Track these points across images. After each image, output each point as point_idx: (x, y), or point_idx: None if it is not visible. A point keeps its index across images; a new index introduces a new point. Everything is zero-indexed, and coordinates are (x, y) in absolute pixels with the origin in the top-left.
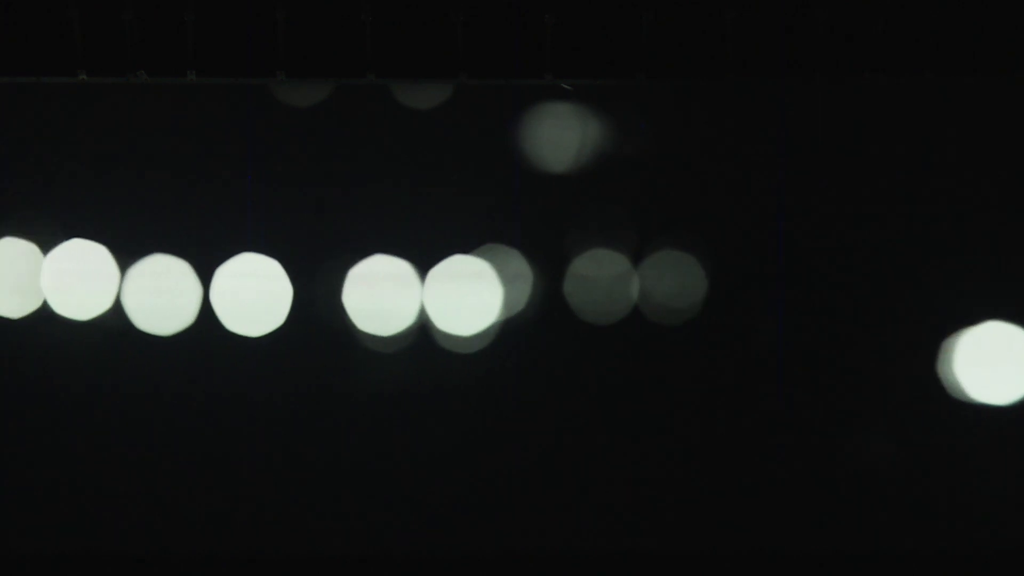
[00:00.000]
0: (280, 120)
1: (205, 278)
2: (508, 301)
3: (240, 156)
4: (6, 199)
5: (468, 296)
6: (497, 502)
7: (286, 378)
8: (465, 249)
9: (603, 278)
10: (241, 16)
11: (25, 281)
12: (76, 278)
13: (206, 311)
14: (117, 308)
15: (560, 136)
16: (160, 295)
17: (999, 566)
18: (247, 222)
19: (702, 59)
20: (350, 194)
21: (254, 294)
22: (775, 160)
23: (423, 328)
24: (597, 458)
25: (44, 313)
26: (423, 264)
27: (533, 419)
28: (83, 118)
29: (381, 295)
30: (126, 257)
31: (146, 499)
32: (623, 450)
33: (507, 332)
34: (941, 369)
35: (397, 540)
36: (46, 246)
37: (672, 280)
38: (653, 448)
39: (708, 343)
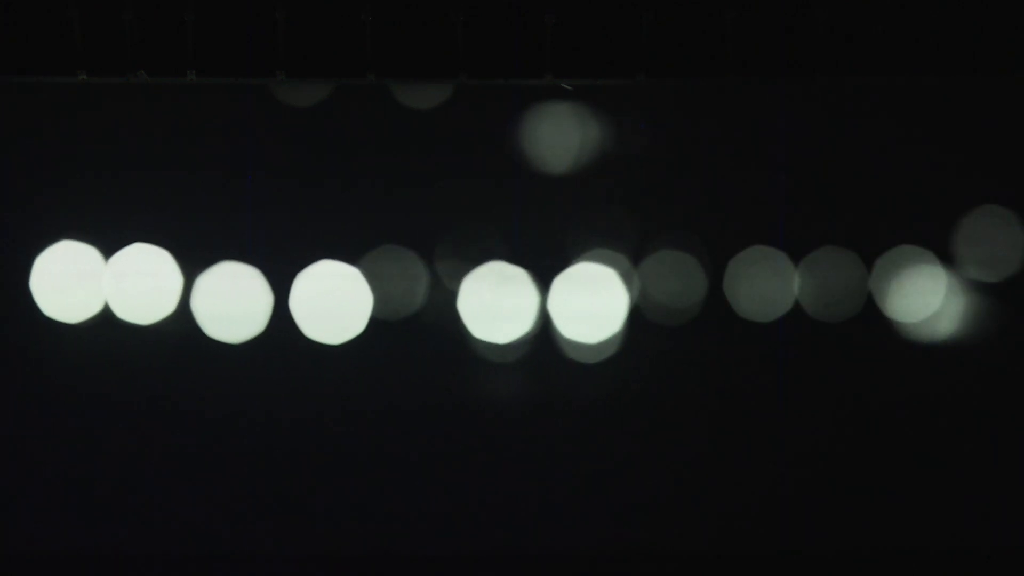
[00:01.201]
0: (280, 120)
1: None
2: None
3: (241, 156)
4: (62, 201)
5: (591, 302)
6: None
7: (374, 389)
8: (465, 250)
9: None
10: (241, 16)
11: (84, 284)
12: (138, 281)
13: (281, 317)
14: (182, 313)
15: (560, 136)
16: (231, 301)
17: (999, 566)
18: (247, 223)
19: (702, 59)
20: (348, 194)
21: (335, 300)
22: (775, 160)
23: (543, 335)
24: (609, 460)
25: (104, 317)
26: (422, 263)
27: (532, 418)
28: (83, 118)
29: (498, 299)
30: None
31: (228, 506)
32: (628, 452)
33: (632, 340)
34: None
35: (506, 548)
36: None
37: (672, 280)
38: (658, 449)
39: (708, 343)
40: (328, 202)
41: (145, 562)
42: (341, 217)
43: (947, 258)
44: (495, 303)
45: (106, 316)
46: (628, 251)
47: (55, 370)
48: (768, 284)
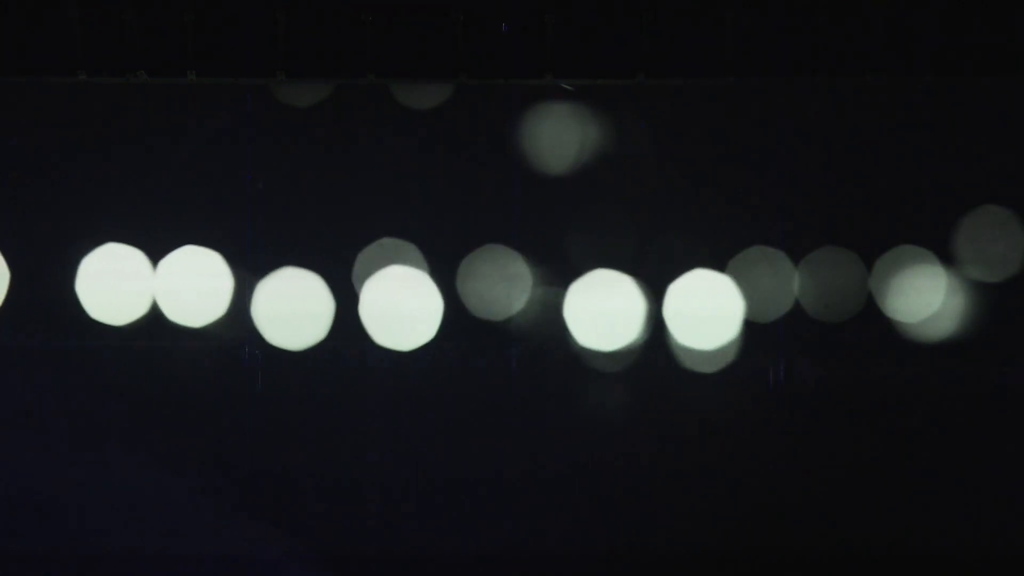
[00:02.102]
0: (280, 120)
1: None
2: (506, 301)
3: (240, 156)
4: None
5: (708, 308)
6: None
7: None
8: (465, 249)
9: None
10: (241, 16)
11: (130, 287)
12: (190, 284)
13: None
14: (236, 317)
15: (560, 136)
16: (293, 305)
17: (999, 568)
18: (247, 223)
19: (702, 59)
20: (348, 194)
21: (405, 306)
22: (775, 160)
23: (655, 344)
24: (598, 458)
25: (150, 319)
26: (419, 264)
27: (540, 422)
28: (83, 118)
29: (605, 306)
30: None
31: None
32: (623, 449)
33: (749, 348)
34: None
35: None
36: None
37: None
38: (651, 447)
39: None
40: (326, 201)
41: (192, 566)
42: (338, 218)
43: (947, 258)
44: (604, 308)
45: (152, 318)
46: (629, 251)
47: (103, 371)
48: (768, 284)
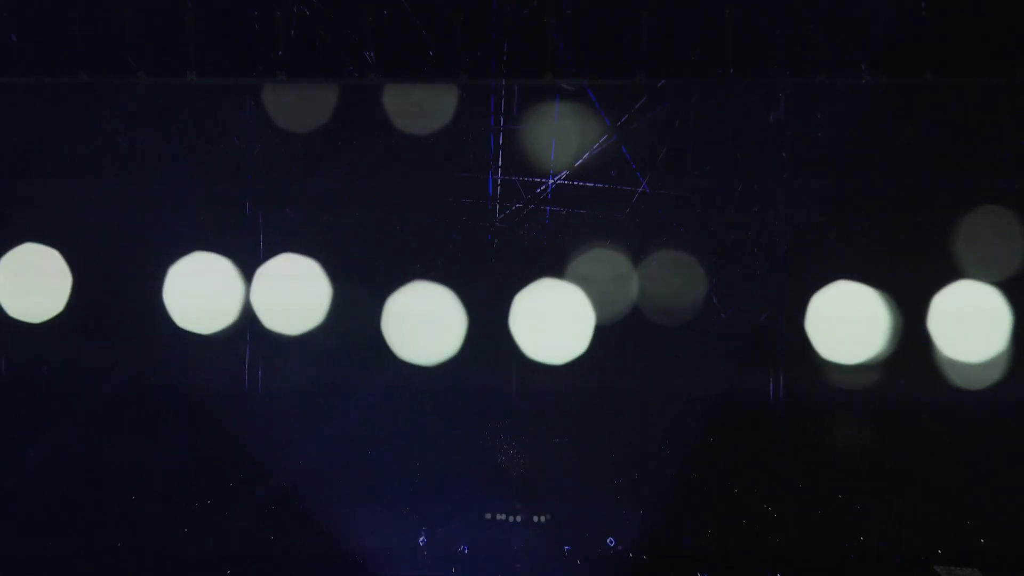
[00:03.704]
0: (280, 121)
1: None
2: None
3: (240, 156)
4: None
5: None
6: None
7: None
8: (465, 249)
9: (603, 278)
10: (241, 16)
11: (217, 294)
12: (287, 291)
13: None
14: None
15: (560, 136)
16: (426, 322)
17: (998, 567)
18: (247, 222)
19: (702, 59)
20: (349, 196)
21: (555, 317)
22: (775, 159)
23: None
24: (597, 458)
25: (241, 326)
26: (420, 265)
27: (532, 419)
28: (85, 118)
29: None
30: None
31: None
32: (623, 448)
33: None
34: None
35: None
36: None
37: (672, 280)
38: (652, 447)
39: (707, 342)
40: (327, 204)
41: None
42: (338, 220)
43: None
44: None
45: (242, 325)
46: (628, 251)
47: (190, 379)
48: (764, 283)
